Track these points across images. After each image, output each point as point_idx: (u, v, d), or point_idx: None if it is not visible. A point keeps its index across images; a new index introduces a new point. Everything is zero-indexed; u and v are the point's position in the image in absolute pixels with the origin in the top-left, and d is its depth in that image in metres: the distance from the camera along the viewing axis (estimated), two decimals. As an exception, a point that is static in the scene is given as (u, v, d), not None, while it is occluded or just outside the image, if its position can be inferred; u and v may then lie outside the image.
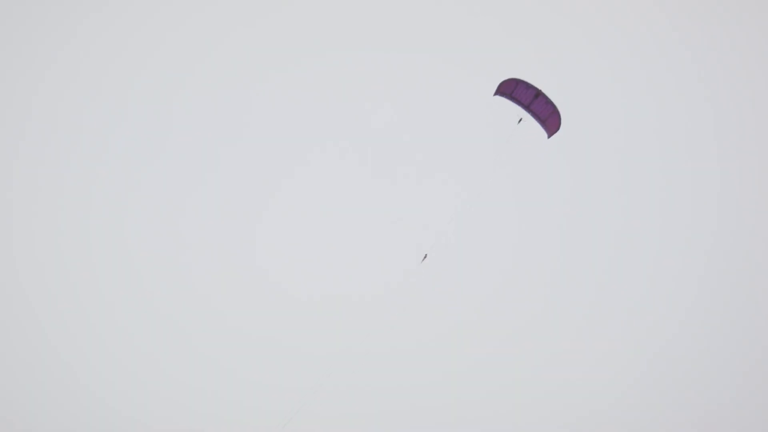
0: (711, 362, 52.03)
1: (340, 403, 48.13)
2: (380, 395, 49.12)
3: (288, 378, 47.66)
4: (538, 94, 37.41)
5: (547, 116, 37.64)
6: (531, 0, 54.43)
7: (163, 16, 53.88)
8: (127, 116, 52.74)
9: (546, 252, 53.95)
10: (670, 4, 54.97)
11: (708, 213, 54.80)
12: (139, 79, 53.32)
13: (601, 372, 51.31)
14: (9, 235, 49.02)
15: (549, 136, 38.21)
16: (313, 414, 45.46)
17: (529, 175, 55.67)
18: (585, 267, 53.43)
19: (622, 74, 55.62)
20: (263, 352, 49.40)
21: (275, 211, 52.32)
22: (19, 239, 49.11)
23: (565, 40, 54.69)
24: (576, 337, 51.68)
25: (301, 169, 53.09)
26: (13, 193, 49.78)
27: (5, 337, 47.02)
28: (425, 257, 39.17)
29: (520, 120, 37.97)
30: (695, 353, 52.17)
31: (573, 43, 54.73)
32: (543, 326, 51.28)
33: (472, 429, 49.38)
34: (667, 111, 55.87)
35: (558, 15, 54.62)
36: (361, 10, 54.65)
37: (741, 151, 55.10)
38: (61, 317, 48.11)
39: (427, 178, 52.02)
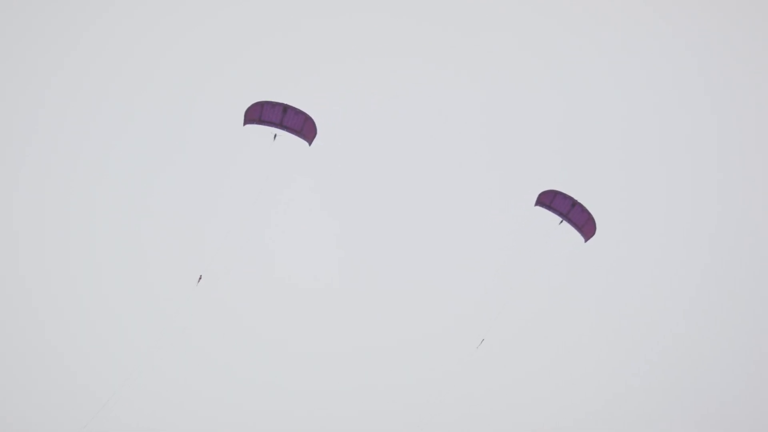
0: (712, 361, 51.88)
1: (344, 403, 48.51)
2: (381, 394, 49.46)
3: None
4: (574, 203, 40.26)
5: (584, 223, 40.50)
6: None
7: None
8: (132, 120, 53.55)
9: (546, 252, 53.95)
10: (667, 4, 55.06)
11: (709, 212, 54.68)
12: (143, 85, 54.18)
13: (601, 371, 51.29)
14: (15, 235, 49.76)
15: (586, 241, 41.19)
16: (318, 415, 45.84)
17: (533, 176, 55.76)
18: (585, 266, 53.48)
19: (623, 74, 55.68)
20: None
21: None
22: (24, 238, 49.85)
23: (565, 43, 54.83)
24: (577, 335, 51.73)
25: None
26: (19, 194, 50.57)
27: (13, 338, 47.62)
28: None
29: (561, 221, 41.26)
30: (697, 352, 52.04)
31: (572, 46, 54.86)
32: (542, 325, 51.36)
33: (472, 428, 49.47)
34: (669, 110, 55.87)
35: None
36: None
37: (742, 150, 54.96)
38: (64, 317, 48.70)
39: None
